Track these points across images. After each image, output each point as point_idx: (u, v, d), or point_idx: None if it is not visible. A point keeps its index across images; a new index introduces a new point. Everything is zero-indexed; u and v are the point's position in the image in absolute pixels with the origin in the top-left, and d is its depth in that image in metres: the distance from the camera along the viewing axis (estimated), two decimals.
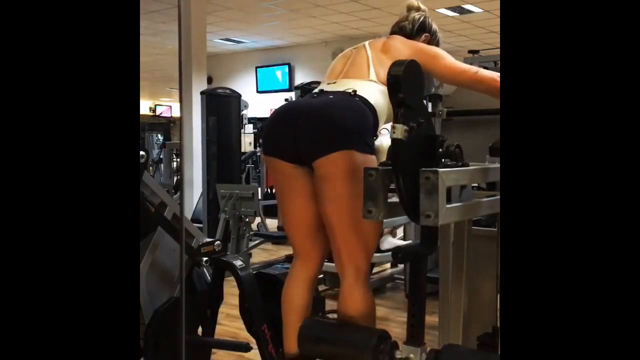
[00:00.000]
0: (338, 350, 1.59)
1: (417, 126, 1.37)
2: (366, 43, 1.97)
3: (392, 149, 1.36)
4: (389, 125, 1.86)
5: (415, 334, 1.48)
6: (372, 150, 1.73)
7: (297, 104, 1.88)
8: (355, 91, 1.78)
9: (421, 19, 2.09)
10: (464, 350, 1.49)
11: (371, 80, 1.83)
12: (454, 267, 1.81)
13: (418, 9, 2.12)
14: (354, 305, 1.78)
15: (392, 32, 2.08)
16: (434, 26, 2.12)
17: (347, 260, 1.79)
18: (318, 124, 1.73)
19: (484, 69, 1.94)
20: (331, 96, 1.80)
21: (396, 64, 1.37)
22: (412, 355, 1.45)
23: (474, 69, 1.91)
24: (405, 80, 1.35)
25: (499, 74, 1.84)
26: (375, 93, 1.80)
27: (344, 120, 1.71)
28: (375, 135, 1.81)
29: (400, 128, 1.33)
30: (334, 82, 1.88)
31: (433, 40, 2.10)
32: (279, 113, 1.88)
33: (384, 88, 1.83)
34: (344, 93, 1.79)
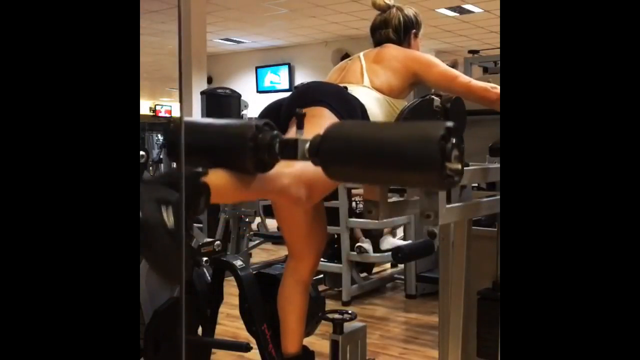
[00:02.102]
0: (209, 152, 1.22)
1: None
2: (361, 54, 1.99)
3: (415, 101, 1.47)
4: None
5: None
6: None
7: (283, 98, 1.89)
8: (346, 88, 1.80)
9: (401, 19, 2.06)
10: (349, 123, 1.29)
11: (365, 86, 1.84)
12: (454, 267, 1.81)
13: (388, 7, 2.09)
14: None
15: (378, 41, 2.07)
16: (411, 14, 2.09)
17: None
18: (297, 94, 1.78)
19: (477, 81, 1.94)
20: None
21: (445, 100, 1.54)
22: (294, 136, 1.13)
23: (467, 78, 1.91)
24: (453, 112, 1.51)
25: (493, 84, 1.84)
26: (368, 97, 1.80)
27: (321, 88, 1.74)
28: None
29: (439, 100, 1.44)
30: None
31: (418, 29, 2.10)
32: (266, 108, 1.90)
33: (378, 94, 1.84)
34: (334, 84, 1.83)
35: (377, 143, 0.97)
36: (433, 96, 1.47)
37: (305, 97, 1.70)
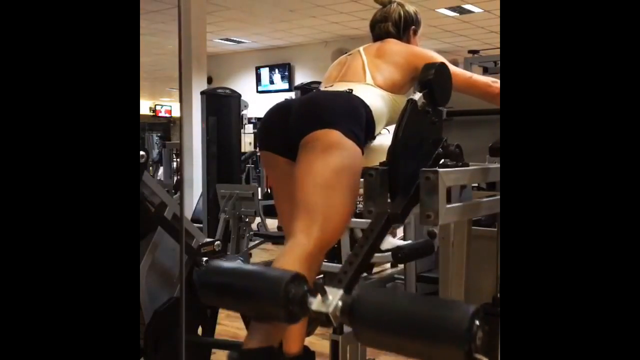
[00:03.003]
0: (240, 300, 1.28)
1: (432, 114, 1.40)
2: (361, 49, 1.99)
3: (402, 110, 1.43)
4: (390, 127, 1.86)
5: (343, 279, 1.29)
6: (358, 140, 1.70)
7: (290, 100, 1.91)
8: (351, 90, 1.80)
9: (401, 14, 2.07)
10: (382, 291, 1.37)
11: (368, 84, 1.84)
12: (454, 267, 1.81)
13: (389, 1, 2.10)
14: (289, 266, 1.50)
15: (378, 35, 2.08)
16: (412, 11, 2.10)
17: (302, 227, 1.61)
18: (307, 109, 1.77)
19: (478, 75, 1.95)
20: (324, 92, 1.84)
21: (428, 67, 1.51)
22: (323, 309, 1.17)
23: (468, 73, 1.92)
24: (437, 81, 1.48)
25: (493, 79, 1.85)
26: (372, 96, 1.81)
27: (332, 105, 1.74)
28: (370, 136, 1.80)
29: (420, 97, 1.40)
30: (331, 86, 1.90)
31: (418, 26, 2.11)
32: (272, 109, 1.91)
33: (383, 92, 1.84)
34: (339, 91, 1.82)
35: (407, 323, 1.01)
36: (414, 97, 1.45)
37: (316, 117, 1.71)
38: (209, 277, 1.25)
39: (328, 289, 1.15)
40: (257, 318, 1.40)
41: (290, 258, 1.56)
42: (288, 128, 1.76)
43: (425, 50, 1.99)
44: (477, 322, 0.94)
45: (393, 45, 1.97)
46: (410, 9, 2.09)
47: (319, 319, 1.13)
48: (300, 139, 1.71)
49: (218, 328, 2.57)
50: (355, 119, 1.72)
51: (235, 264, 1.43)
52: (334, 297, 1.11)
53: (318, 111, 1.73)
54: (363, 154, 1.72)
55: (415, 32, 2.09)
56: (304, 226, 1.61)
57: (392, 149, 1.42)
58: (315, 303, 1.12)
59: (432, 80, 1.46)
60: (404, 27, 2.06)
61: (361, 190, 1.53)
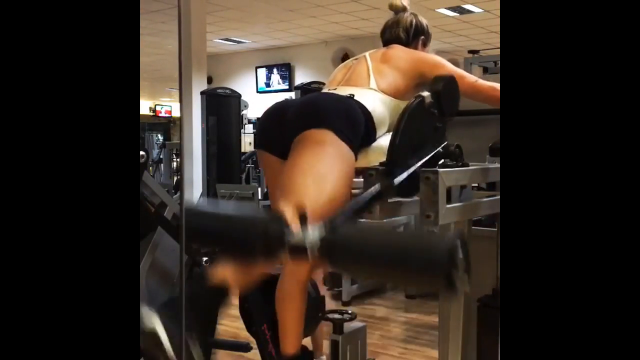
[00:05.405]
0: (222, 240, 1.33)
1: (437, 119, 1.43)
2: (367, 54, 2.00)
3: (408, 103, 1.48)
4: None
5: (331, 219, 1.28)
6: (350, 142, 1.69)
7: (289, 101, 1.93)
8: (352, 95, 1.80)
9: (413, 22, 2.09)
10: (360, 225, 1.37)
11: (371, 89, 1.85)
12: None
13: (404, 9, 2.12)
14: None
15: (387, 40, 2.09)
16: (424, 22, 2.12)
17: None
18: (304, 110, 1.78)
19: (483, 80, 1.95)
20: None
21: (437, 80, 1.55)
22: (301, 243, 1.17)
23: (473, 77, 1.92)
24: (445, 93, 1.53)
25: (498, 83, 1.85)
26: (374, 101, 1.81)
27: (328, 106, 1.74)
28: (370, 141, 1.80)
29: (429, 95, 1.46)
30: (334, 89, 1.91)
31: (427, 38, 2.12)
32: (270, 109, 1.93)
33: (385, 97, 1.85)
34: (339, 95, 1.83)
35: (385, 258, 1.03)
36: (422, 94, 1.48)
37: (312, 117, 1.72)
38: (192, 219, 1.24)
39: (310, 225, 1.14)
40: (237, 257, 1.42)
41: None
42: (284, 128, 1.77)
43: (431, 55, 2.00)
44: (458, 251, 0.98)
45: (398, 51, 1.98)
46: (423, 20, 2.12)
47: (297, 254, 1.14)
48: (294, 137, 1.73)
49: (218, 328, 2.56)
50: (351, 123, 1.73)
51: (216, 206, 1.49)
52: (313, 231, 1.11)
53: (314, 111, 1.74)
54: (356, 159, 1.72)
55: (424, 44, 2.12)
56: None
57: (392, 140, 1.42)
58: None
59: (441, 91, 1.49)
60: (413, 35, 2.08)
61: (360, 191, 1.53)
